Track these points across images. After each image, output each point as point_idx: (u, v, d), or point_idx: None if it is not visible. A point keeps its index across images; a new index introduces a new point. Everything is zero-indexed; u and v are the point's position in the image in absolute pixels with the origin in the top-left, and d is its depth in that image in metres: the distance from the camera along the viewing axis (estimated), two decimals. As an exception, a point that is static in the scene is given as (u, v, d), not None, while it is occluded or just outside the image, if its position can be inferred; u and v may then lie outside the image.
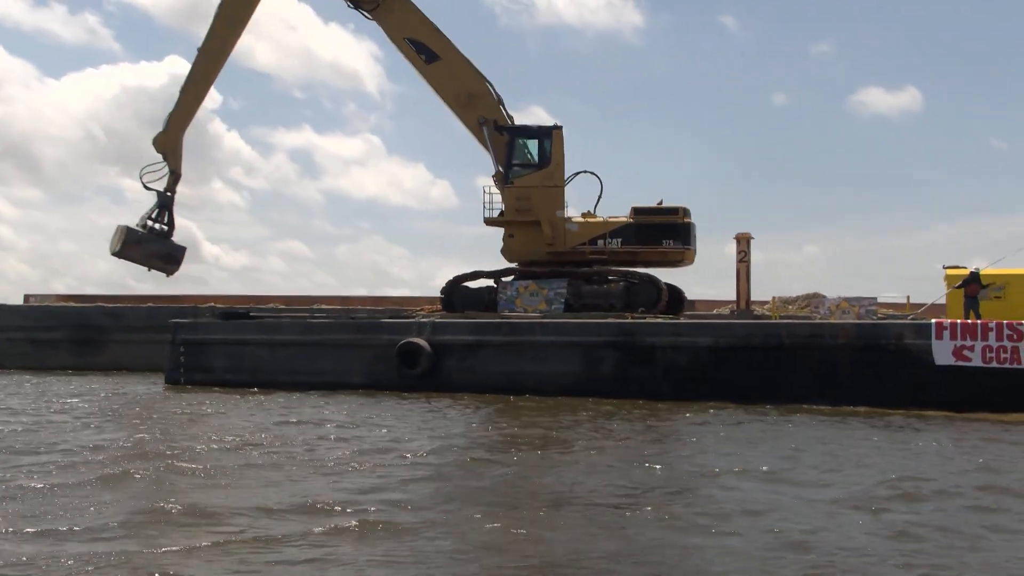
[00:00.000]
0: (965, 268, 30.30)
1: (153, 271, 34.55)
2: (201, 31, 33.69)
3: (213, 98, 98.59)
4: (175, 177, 34.32)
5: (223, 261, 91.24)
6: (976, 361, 22.42)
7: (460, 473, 14.21)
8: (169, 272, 34.92)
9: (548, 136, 31.56)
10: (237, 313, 32.70)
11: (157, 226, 34.28)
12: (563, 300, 29.77)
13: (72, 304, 43.65)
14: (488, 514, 10.96)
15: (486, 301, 31.20)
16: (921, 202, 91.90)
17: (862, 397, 23.16)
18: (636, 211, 31.29)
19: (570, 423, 20.33)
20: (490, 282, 31.95)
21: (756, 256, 31.94)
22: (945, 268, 30.41)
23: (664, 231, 30.89)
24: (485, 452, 16.19)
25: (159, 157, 33.81)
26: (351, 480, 13.15)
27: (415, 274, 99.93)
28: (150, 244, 34.04)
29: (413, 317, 30.86)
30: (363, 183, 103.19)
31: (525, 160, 31.78)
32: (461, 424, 20.72)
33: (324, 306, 41.23)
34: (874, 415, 21.84)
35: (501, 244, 31.92)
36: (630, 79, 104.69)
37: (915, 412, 22.24)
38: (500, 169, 31.72)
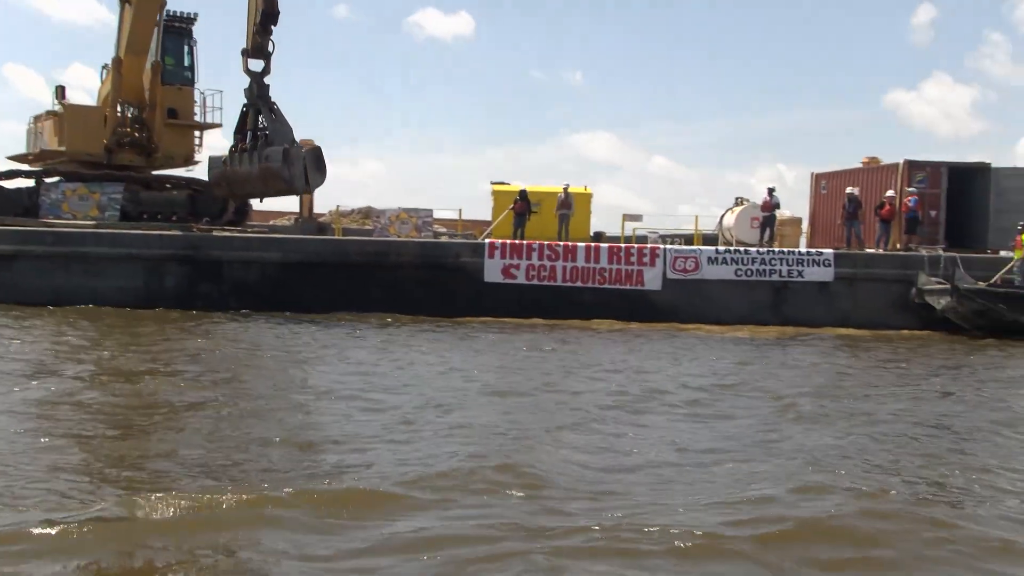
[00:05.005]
0: (509, 184, 33.69)
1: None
2: None
3: None
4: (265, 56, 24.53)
5: None
6: (520, 279, 25.10)
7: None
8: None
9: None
10: None
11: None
12: (119, 207, 27.56)
13: None
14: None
15: (26, 205, 27.83)
16: (470, 126, 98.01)
17: (428, 309, 24.75)
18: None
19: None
20: (31, 183, 28.48)
21: (319, 170, 33.34)
22: (492, 184, 33.66)
23: None
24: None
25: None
26: None
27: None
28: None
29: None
30: None
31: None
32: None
33: None
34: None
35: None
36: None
37: (462, 320, 24.18)
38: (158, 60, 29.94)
